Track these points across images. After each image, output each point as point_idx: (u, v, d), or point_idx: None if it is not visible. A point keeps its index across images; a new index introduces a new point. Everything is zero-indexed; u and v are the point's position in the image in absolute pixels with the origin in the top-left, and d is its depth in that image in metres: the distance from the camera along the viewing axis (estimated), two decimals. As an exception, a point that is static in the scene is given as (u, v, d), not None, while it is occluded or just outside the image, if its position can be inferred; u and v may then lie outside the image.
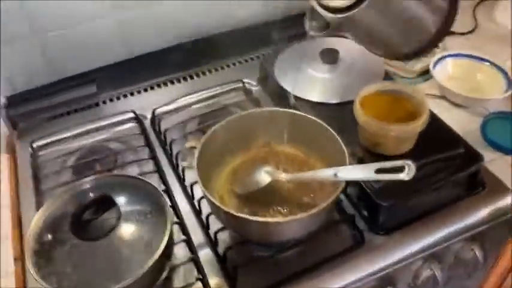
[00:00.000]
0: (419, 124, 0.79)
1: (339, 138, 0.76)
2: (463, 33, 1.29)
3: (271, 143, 0.86)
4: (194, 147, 0.77)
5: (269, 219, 0.66)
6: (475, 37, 1.29)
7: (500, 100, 1.04)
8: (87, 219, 0.66)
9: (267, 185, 0.75)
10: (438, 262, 0.82)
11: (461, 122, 1.03)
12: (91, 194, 0.72)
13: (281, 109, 0.84)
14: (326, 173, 0.71)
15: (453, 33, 1.28)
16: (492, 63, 1.10)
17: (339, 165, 0.75)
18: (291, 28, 1.17)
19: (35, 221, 0.70)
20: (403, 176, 0.65)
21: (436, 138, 0.85)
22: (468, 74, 1.12)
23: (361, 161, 0.74)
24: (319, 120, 0.79)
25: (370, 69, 1.02)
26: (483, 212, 0.82)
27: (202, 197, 0.82)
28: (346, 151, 0.74)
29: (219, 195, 0.80)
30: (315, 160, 0.83)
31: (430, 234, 0.80)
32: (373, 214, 0.80)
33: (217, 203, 0.67)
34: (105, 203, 0.67)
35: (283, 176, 0.74)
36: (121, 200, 0.73)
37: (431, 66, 1.10)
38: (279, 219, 0.65)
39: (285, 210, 0.76)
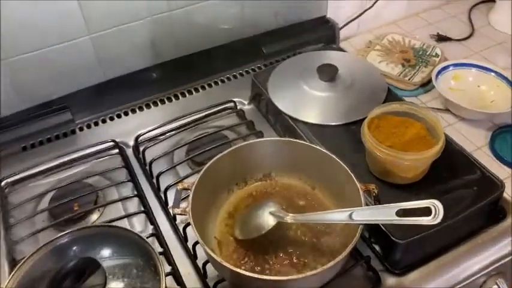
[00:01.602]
0: (435, 152, 0.72)
1: (352, 174, 0.68)
2: (459, 40, 1.23)
3: (271, 174, 0.77)
4: (187, 189, 0.68)
5: (284, 278, 0.58)
6: (472, 43, 1.23)
7: (506, 113, 0.98)
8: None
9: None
10: (460, 300, 0.75)
11: (467, 138, 0.97)
12: (73, 249, 0.63)
13: (282, 139, 0.75)
14: (340, 216, 0.63)
15: (450, 39, 1.23)
16: (497, 73, 1.04)
17: (350, 200, 0.68)
18: (280, 41, 1.10)
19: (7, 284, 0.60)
20: (430, 220, 0.57)
21: (449, 163, 0.78)
22: (471, 85, 1.06)
23: (376, 197, 0.66)
24: (327, 152, 0.71)
25: (372, 86, 0.94)
26: (506, 243, 0.75)
27: (197, 242, 0.73)
28: (360, 188, 0.66)
29: (217, 239, 0.71)
30: (323, 194, 0.75)
31: (450, 272, 0.73)
32: (388, 252, 0.72)
33: (224, 263, 0.58)
34: (89, 265, 0.57)
35: (290, 218, 0.66)
36: (105, 253, 0.64)
37: (433, 77, 1.04)
38: (294, 276, 0.57)
39: (294, 255, 0.67)
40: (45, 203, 0.84)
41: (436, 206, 0.57)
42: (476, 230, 0.77)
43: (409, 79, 1.09)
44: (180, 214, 0.65)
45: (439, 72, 1.05)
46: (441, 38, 1.23)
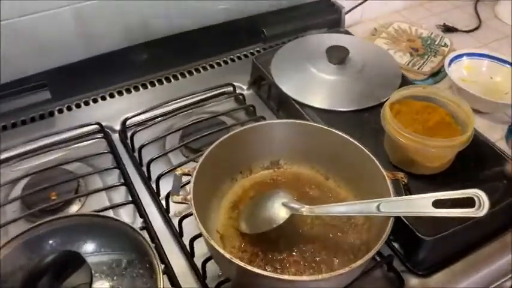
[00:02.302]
0: (465, 139, 0.65)
1: (374, 159, 0.60)
2: (467, 31, 1.17)
3: (280, 162, 0.68)
4: (187, 174, 0.58)
5: (303, 278, 0.49)
6: (479, 34, 1.17)
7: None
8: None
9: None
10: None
11: (482, 130, 0.90)
12: (49, 243, 0.52)
13: (294, 121, 0.66)
14: (365, 208, 0.54)
15: (457, 30, 1.17)
16: (512, 64, 0.97)
17: (372, 190, 0.60)
18: (282, 23, 1.01)
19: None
20: (474, 212, 0.49)
21: (475, 153, 0.71)
22: (484, 76, 0.99)
23: (405, 186, 0.58)
24: (348, 137, 0.63)
25: (385, 72, 0.86)
26: (537, 242, 0.68)
27: (195, 237, 0.64)
28: (387, 176, 0.57)
29: (220, 233, 0.62)
30: (339, 184, 0.66)
31: (479, 272, 0.65)
32: (411, 251, 0.64)
33: (237, 261, 0.49)
34: (71, 261, 0.47)
35: (306, 210, 0.57)
36: (89, 248, 0.54)
37: (446, 66, 0.97)
38: (313, 277, 0.48)
39: (308, 252, 0.59)
40: (17, 191, 0.73)
41: (480, 197, 0.50)
42: (504, 227, 0.69)
43: (418, 68, 1.02)
44: (180, 202, 0.55)
45: (451, 61, 0.98)
46: (448, 29, 1.17)
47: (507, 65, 0.98)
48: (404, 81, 0.85)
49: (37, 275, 0.45)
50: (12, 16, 0.76)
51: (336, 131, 0.63)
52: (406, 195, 0.57)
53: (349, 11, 1.11)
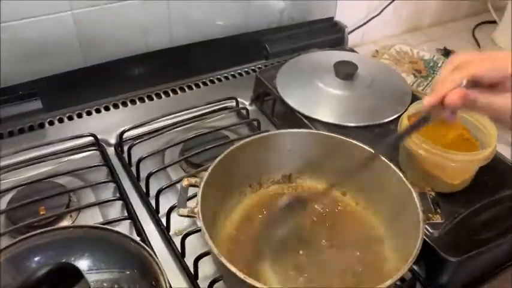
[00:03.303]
0: (488, 153, 0.61)
1: (397, 170, 0.55)
2: (467, 56, 1.17)
3: (292, 176, 0.64)
4: (194, 186, 0.53)
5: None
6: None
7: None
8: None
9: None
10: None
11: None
12: (35, 260, 0.46)
13: (308, 130, 0.63)
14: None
15: (457, 55, 1.16)
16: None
17: (396, 207, 0.55)
18: (286, 40, 0.99)
19: None
20: None
21: (493, 170, 0.67)
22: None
23: (434, 200, 0.54)
24: (366, 147, 0.58)
25: (395, 89, 0.84)
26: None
27: (200, 256, 0.58)
28: (412, 190, 0.53)
29: (226, 249, 0.56)
30: (358, 201, 0.62)
31: (504, 298, 0.61)
32: (434, 273, 0.60)
33: (250, 280, 0.43)
34: (67, 274, 0.41)
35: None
36: (85, 264, 0.48)
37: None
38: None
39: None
40: (2, 205, 0.66)
41: None
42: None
43: (422, 89, 1.00)
44: (187, 216, 0.50)
45: (456, 82, 0.96)
46: (448, 53, 1.16)
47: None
48: (415, 98, 0.82)
49: (29, 289, 0.39)
50: (4, 20, 0.72)
51: (357, 143, 0.59)
52: (435, 210, 0.52)
53: (353, 30, 1.09)
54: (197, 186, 0.53)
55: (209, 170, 0.54)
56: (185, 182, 0.54)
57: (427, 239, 0.58)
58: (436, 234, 0.59)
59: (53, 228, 0.48)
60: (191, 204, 0.52)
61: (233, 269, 0.45)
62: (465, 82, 0.45)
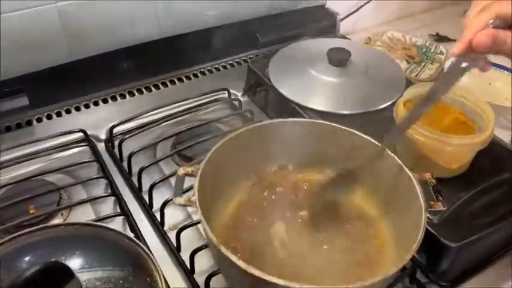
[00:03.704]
0: (486, 137, 0.60)
1: (397, 158, 0.54)
2: (459, 40, 1.16)
3: (289, 167, 0.62)
4: (190, 175, 0.52)
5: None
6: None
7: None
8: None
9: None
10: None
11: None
12: (25, 260, 0.44)
13: (306, 120, 0.61)
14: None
15: (449, 39, 1.15)
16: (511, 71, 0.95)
17: (396, 197, 0.54)
18: (277, 28, 0.97)
19: None
20: None
21: (490, 155, 0.66)
22: (486, 82, 0.97)
23: (435, 188, 0.53)
24: (363, 135, 0.57)
25: (389, 75, 0.83)
26: None
27: (197, 250, 0.57)
28: (412, 177, 0.52)
29: (224, 240, 0.55)
30: (356, 191, 0.61)
31: (505, 283, 0.60)
32: (435, 260, 0.59)
33: (252, 270, 0.42)
34: (57, 274, 0.39)
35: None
36: (77, 263, 0.46)
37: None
38: (344, 286, 0.42)
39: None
40: (-10, 204, 0.65)
41: None
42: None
43: (416, 76, 0.99)
44: (184, 205, 0.48)
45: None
46: (441, 38, 1.16)
47: (506, 72, 0.96)
48: (409, 84, 0.80)
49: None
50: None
51: (355, 131, 0.58)
52: (437, 198, 0.51)
53: (344, 18, 1.08)
54: (193, 176, 0.52)
55: (206, 159, 0.52)
56: (181, 171, 0.52)
57: (427, 226, 0.57)
58: (435, 221, 0.59)
59: (43, 227, 0.46)
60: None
61: (233, 258, 0.43)
62: (492, 22, 0.42)
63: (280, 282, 0.41)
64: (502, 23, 0.42)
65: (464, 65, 0.45)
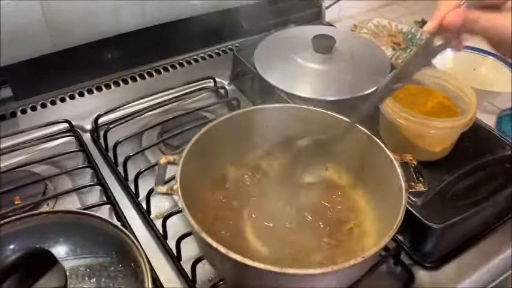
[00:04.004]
0: (468, 119, 0.61)
1: (378, 141, 0.55)
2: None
3: (275, 153, 0.62)
4: (172, 163, 0.52)
5: (310, 271, 0.42)
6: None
7: (508, 95, 0.91)
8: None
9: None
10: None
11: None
12: (10, 248, 0.44)
13: (290, 105, 0.62)
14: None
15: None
16: (496, 56, 0.96)
17: (378, 178, 0.55)
18: (262, 16, 0.97)
19: None
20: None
21: (473, 138, 0.67)
22: (468, 68, 0.97)
23: (416, 169, 0.53)
24: (345, 118, 0.58)
25: (374, 61, 0.83)
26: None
27: (183, 236, 0.57)
28: (394, 159, 0.52)
29: (207, 227, 0.55)
30: (340, 175, 0.61)
31: (487, 262, 0.61)
32: (419, 241, 0.60)
33: (233, 255, 0.42)
34: (39, 262, 0.39)
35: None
36: (62, 250, 0.47)
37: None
38: (322, 269, 0.42)
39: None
40: (-26, 196, 0.64)
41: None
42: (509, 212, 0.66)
43: (402, 62, 1.00)
44: (166, 193, 0.48)
45: (435, 53, 0.96)
46: (426, 25, 1.16)
47: (490, 57, 0.97)
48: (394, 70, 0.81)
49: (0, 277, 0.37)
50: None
51: (337, 115, 0.58)
52: (418, 179, 0.52)
53: (330, 5, 1.08)
54: (175, 164, 0.52)
55: (188, 146, 0.53)
56: (163, 160, 0.52)
57: (410, 208, 0.58)
58: (419, 203, 0.59)
59: (26, 215, 0.46)
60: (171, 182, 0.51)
61: (214, 243, 0.44)
62: (464, 2, 0.43)
63: (260, 266, 0.42)
64: (474, 3, 0.43)
65: (437, 43, 0.46)
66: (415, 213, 0.58)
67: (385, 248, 0.58)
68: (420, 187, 0.51)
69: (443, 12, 0.43)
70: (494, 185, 0.62)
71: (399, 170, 0.51)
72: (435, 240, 0.58)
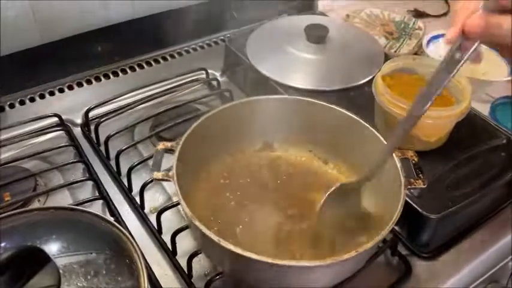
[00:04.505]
0: (464, 108, 0.61)
1: (380, 136, 0.54)
2: (437, 16, 1.16)
3: (274, 145, 0.62)
4: (170, 150, 0.51)
5: (306, 264, 0.42)
6: (449, 19, 1.16)
7: (501, 84, 0.91)
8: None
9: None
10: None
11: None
12: (1, 246, 0.43)
13: (289, 96, 0.61)
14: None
15: (427, 15, 1.15)
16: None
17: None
18: (254, 5, 0.96)
19: None
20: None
21: (469, 128, 0.67)
22: (461, 56, 0.97)
23: (416, 165, 0.53)
24: (350, 114, 0.57)
25: (367, 50, 0.82)
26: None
27: (178, 231, 0.56)
28: (395, 155, 0.52)
29: (203, 216, 0.54)
30: (340, 169, 0.61)
31: (484, 252, 0.61)
32: (416, 232, 0.59)
33: (229, 245, 0.42)
34: (31, 260, 0.38)
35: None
36: (54, 248, 0.45)
37: (424, 47, 0.94)
38: (318, 262, 0.42)
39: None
40: (-38, 193, 0.63)
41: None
42: (505, 201, 0.65)
43: (395, 51, 0.99)
44: (161, 179, 0.48)
45: (429, 42, 0.96)
46: (419, 14, 1.15)
47: (482, 45, 0.96)
48: (388, 59, 0.80)
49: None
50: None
51: (338, 108, 0.58)
52: (417, 175, 0.51)
53: (321, -5, 1.06)
54: (173, 151, 0.51)
55: (185, 135, 0.52)
56: (160, 146, 0.51)
57: (406, 198, 0.57)
58: (415, 193, 0.59)
59: (16, 212, 0.45)
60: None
61: (206, 231, 0.43)
62: (483, 5, 0.40)
63: (255, 256, 0.41)
64: (492, 6, 0.40)
65: (457, 55, 0.43)
66: (412, 203, 0.57)
67: (382, 240, 0.58)
68: (420, 184, 0.50)
69: (463, 18, 0.41)
70: (490, 174, 0.62)
71: (399, 166, 0.51)
72: (432, 231, 0.58)
